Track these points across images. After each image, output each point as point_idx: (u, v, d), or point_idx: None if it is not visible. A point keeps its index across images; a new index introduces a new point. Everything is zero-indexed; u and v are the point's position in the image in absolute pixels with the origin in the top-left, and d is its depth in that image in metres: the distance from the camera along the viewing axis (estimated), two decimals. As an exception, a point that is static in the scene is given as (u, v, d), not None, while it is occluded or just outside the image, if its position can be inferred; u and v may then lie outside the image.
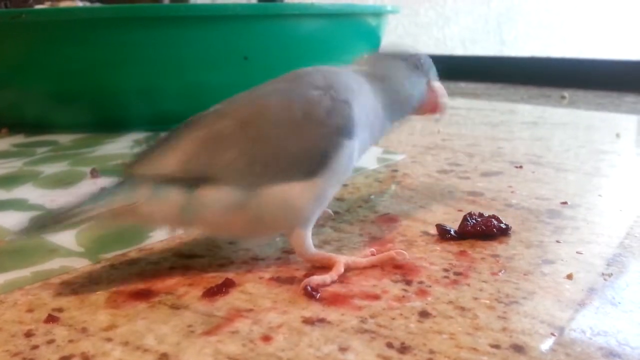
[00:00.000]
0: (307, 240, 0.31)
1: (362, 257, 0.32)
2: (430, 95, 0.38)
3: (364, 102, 0.33)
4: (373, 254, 0.32)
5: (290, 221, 0.30)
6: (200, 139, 0.30)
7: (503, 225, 0.36)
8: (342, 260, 0.30)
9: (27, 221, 0.29)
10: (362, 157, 0.34)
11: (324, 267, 0.31)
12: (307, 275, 0.30)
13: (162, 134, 0.32)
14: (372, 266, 0.31)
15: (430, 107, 0.38)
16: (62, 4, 0.98)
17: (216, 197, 0.29)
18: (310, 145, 0.30)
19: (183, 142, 0.30)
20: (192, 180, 0.29)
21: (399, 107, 0.36)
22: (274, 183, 0.29)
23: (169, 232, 0.33)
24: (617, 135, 0.68)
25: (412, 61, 0.37)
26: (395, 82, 0.35)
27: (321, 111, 0.30)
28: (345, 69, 0.35)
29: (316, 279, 0.29)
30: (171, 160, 0.29)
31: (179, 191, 0.29)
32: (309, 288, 0.28)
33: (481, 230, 0.35)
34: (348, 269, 0.30)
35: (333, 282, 0.29)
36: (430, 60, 0.38)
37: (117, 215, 0.29)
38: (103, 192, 0.30)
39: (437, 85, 0.38)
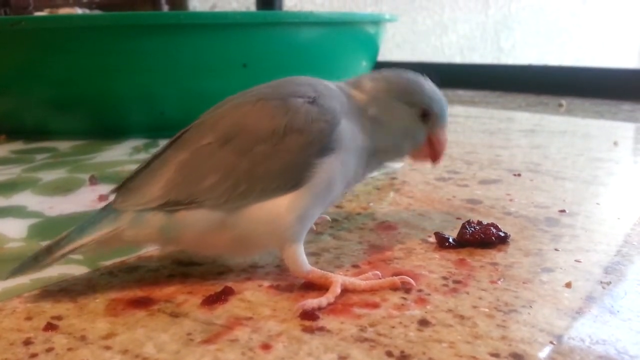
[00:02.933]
0: (301, 257, 0.29)
1: (362, 278, 0.30)
2: (428, 145, 0.34)
3: (352, 128, 0.31)
4: (377, 277, 0.30)
5: (276, 237, 0.29)
6: (181, 164, 0.29)
7: (502, 234, 0.36)
8: (339, 280, 0.29)
9: (20, 264, 0.29)
10: (346, 190, 0.33)
11: (320, 285, 0.29)
12: (306, 285, 0.30)
13: (147, 158, 0.31)
14: (372, 290, 0.29)
15: (422, 156, 0.35)
16: (62, 11, 0.98)
17: (196, 219, 0.29)
18: (294, 156, 0.29)
19: (165, 168, 0.30)
20: (172, 205, 0.29)
21: (383, 152, 0.33)
22: (257, 200, 0.29)
23: (160, 250, 0.32)
24: (615, 144, 0.69)
25: (419, 109, 0.33)
26: (388, 128, 0.32)
27: (303, 119, 0.29)
28: (340, 86, 0.33)
29: (311, 302, 0.27)
30: (153, 192, 0.29)
31: (160, 215, 0.29)
32: (302, 310, 0.27)
33: (480, 239, 0.35)
34: (345, 290, 0.29)
35: (330, 304, 0.28)
36: (444, 104, 0.34)
37: (103, 242, 0.29)
38: (87, 223, 0.30)
39: (440, 136, 0.34)
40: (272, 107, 0.30)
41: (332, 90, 0.32)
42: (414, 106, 0.33)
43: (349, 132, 0.31)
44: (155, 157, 0.31)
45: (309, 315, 0.26)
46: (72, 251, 0.29)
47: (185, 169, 0.29)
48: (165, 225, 0.29)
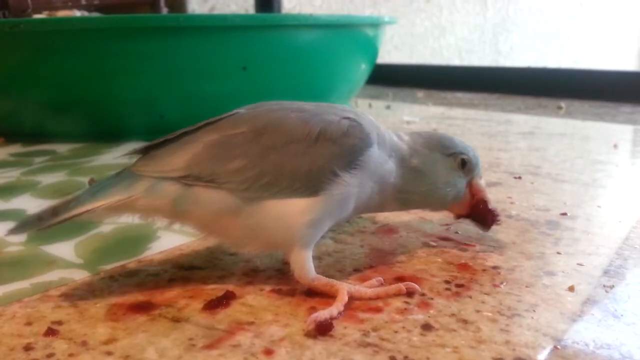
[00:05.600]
0: (308, 263, 0.29)
1: (367, 286, 0.30)
2: (469, 196, 0.35)
3: (384, 160, 0.31)
4: (381, 284, 0.30)
5: (286, 237, 0.29)
6: (211, 144, 0.29)
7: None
8: (345, 288, 0.28)
9: (21, 220, 0.29)
10: (354, 214, 0.32)
11: (325, 294, 0.29)
12: (308, 290, 0.30)
13: (177, 131, 0.31)
14: (377, 297, 0.29)
15: (463, 209, 0.35)
16: (60, 14, 0.98)
17: (212, 198, 0.29)
18: (321, 163, 0.29)
19: (193, 144, 0.30)
20: (193, 180, 0.29)
21: (423, 201, 0.34)
22: (276, 197, 0.29)
23: (166, 225, 0.32)
24: (615, 146, 0.69)
25: (457, 158, 0.34)
26: (429, 179, 0.33)
27: (337, 131, 0.30)
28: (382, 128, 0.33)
29: (322, 313, 0.26)
30: (177, 162, 0.29)
31: (177, 186, 0.29)
32: (315, 324, 0.26)
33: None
34: (352, 298, 0.28)
35: (340, 313, 0.27)
36: (477, 155, 0.35)
37: (114, 209, 0.29)
38: (100, 186, 0.30)
39: (480, 184, 0.35)
40: (309, 118, 0.30)
41: (371, 121, 0.33)
42: (451, 156, 0.34)
43: (378, 159, 0.31)
44: (185, 133, 0.31)
45: (324, 326, 0.26)
46: (79, 215, 0.29)
47: (214, 149, 0.29)
48: (180, 197, 0.29)
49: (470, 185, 0.35)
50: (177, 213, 0.30)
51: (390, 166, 0.32)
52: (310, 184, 0.29)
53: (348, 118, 0.31)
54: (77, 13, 1.00)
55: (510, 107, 1.10)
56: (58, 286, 0.31)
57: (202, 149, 0.29)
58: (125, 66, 0.69)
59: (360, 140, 0.30)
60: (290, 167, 0.29)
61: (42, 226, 0.29)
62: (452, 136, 0.35)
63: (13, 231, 0.29)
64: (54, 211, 0.29)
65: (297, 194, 0.29)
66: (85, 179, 0.53)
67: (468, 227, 0.39)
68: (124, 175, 0.30)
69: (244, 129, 0.30)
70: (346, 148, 0.30)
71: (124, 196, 0.29)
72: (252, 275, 0.32)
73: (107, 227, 0.40)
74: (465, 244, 0.36)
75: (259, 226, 0.29)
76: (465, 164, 0.34)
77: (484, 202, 0.35)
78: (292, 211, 0.29)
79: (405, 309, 0.28)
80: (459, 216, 0.36)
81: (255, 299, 0.29)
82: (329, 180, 0.29)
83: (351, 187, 0.30)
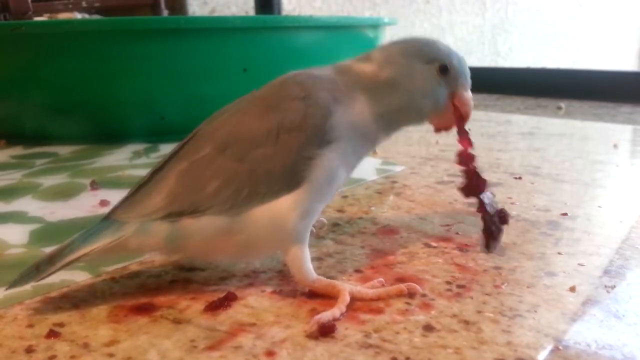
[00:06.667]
0: (306, 264, 0.29)
1: (368, 286, 0.30)
2: (452, 108, 0.32)
3: (349, 112, 0.30)
4: (382, 285, 0.30)
5: (280, 237, 0.29)
6: (182, 174, 0.29)
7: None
8: (347, 288, 0.28)
9: (20, 273, 0.29)
10: (352, 172, 0.32)
11: (327, 295, 0.29)
12: (309, 291, 0.30)
13: (143, 178, 0.31)
14: (379, 298, 0.29)
15: (446, 122, 0.33)
16: (61, 16, 0.98)
17: (200, 226, 0.29)
18: (291, 155, 0.29)
19: (166, 180, 0.29)
20: (176, 216, 0.29)
21: (402, 117, 0.32)
22: (260, 203, 0.29)
23: (164, 258, 0.33)
24: (615, 146, 0.69)
25: (437, 64, 0.31)
26: (404, 89, 0.31)
27: (295, 117, 0.29)
28: (335, 73, 0.32)
29: (325, 315, 0.26)
30: (156, 203, 0.29)
31: (164, 224, 0.29)
32: (318, 325, 0.26)
33: None
34: (353, 299, 0.28)
35: (343, 314, 0.27)
36: (463, 62, 0.32)
37: (107, 251, 0.29)
38: (89, 232, 0.29)
39: (464, 96, 0.32)
40: (263, 112, 0.30)
41: (321, 81, 0.31)
42: (431, 62, 0.31)
43: (346, 119, 0.30)
44: (156, 171, 0.31)
45: (327, 328, 0.26)
46: (75, 260, 0.29)
47: (185, 179, 0.29)
48: (170, 234, 0.29)
49: (453, 96, 0.32)
50: (171, 249, 0.30)
51: (358, 107, 0.30)
52: (289, 179, 0.29)
53: (299, 98, 0.29)
54: (78, 15, 1.00)
55: (510, 107, 1.10)
56: (59, 288, 0.31)
57: (175, 182, 0.29)
58: (126, 68, 0.69)
59: (320, 117, 0.29)
60: (263, 172, 0.28)
61: (40, 277, 0.28)
62: (435, 40, 0.32)
63: (14, 284, 0.28)
64: (51, 260, 0.29)
65: (281, 193, 0.29)
66: (86, 181, 0.53)
67: (469, 228, 0.39)
68: (110, 221, 0.30)
69: (208, 150, 0.29)
70: (309, 130, 0.29)
71: (114, 238, 0.29)
72: (253, 276, 0.32)
73: (108, 229, 0.40)
74: (466, 245, 0.36)
75: (253, 236, 0.29)
76: (446, 71, 0.31)
77: (474, 170, 0.34)
78: (280, 210, 0.29)
79: (407, 310, 0.28)
80: (440, 129, 0.34)
81: (256, 301, 0.29)
82: (307, 167, 0.29)
83: (333, 161, 0.29)
